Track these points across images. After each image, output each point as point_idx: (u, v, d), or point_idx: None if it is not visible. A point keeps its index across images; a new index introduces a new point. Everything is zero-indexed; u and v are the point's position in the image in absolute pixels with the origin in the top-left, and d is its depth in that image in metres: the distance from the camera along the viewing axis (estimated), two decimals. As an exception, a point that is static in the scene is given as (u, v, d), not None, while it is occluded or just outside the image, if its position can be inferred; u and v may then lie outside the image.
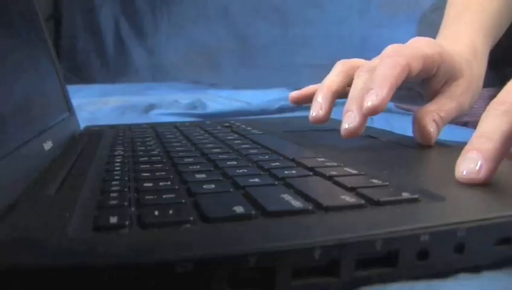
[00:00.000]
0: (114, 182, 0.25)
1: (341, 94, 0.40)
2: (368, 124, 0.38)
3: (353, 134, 0.33)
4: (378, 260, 0.18)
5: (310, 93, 0.43)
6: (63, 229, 0.18)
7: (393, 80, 0.32)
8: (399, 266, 0.18)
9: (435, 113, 0.36)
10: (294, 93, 0.45)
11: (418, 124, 0.36)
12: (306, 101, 0.44)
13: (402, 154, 0.35)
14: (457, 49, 0.41)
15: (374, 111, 0.31)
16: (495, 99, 0.25)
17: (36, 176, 0.27)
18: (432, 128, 0.36)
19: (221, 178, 0.25)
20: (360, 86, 0.34)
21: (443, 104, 0.38)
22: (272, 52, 1.97)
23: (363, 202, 0.20)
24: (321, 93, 0.39)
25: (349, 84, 0.40)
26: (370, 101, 0.31)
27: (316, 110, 0.38)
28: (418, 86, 0.39)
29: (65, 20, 2.43)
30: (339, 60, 0.42)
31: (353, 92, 0.35)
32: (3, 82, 0.27)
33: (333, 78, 0.40)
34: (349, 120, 0.33)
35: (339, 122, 0.38)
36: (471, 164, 0.24)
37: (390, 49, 0.37)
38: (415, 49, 0.35)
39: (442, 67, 0.37)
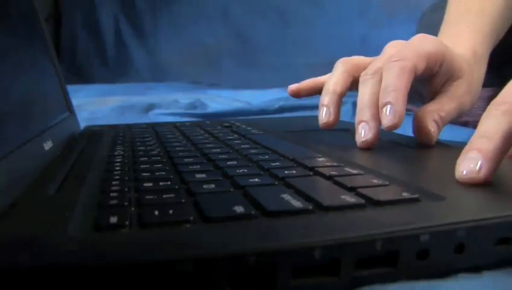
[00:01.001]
0: (114, 182, 0.25)
1: (345, 93, 0.41)
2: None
3: (370, 145, 0.34)
4: (378, 260, 0.18)
5: (309, 87, 0.45)
6: (63, 229, 0.18)
7: (405, 90, 0.33)
8: (399, 266, 0.18)
9: (435, 113, 0.37)
10: (293, 86, 0.47)
11: (418, 123, 0.36)
12: (305, 95, 0.46)
13: (402, 154, 0.35)
14: (457, 51, 0.42)
15: (394, 128, 0.32)
16: (495, 100, 0.25)
17: (36, 176, 0.27)
18: (432, 128, 0.36)
19: (221, 178, 0.25)
20: (369, 92, 0.35)
21: (444, 104, 0.38)
22: (272, 52, 1.97)
23: (363, 202, 0.20)
24: (327, 97, 0.40)
25: (353, 83, 0.40)
26: (389, 121, 0.32)
27: (326, 116, 0.39)
28: (419, 84, 0.39)
29: (65, 20, 2.43)
30: (339, 59, 0.42)
31: (362, 100, 0.35)
32: (3, 82, 0.27)
33: (336, 80, 0.40)
34: (365, 132, 0.34)
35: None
36: (471, 163, 0.24)
37: (392, 48, 0.37)
38: (419, 48, 0.36)
39: (444, 66, 0.37)
